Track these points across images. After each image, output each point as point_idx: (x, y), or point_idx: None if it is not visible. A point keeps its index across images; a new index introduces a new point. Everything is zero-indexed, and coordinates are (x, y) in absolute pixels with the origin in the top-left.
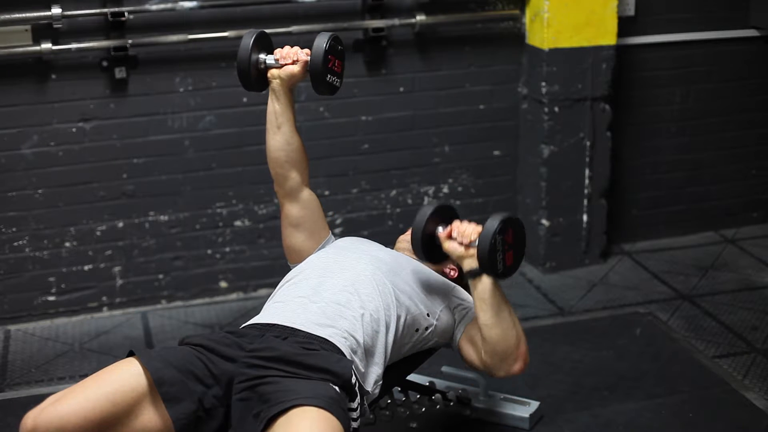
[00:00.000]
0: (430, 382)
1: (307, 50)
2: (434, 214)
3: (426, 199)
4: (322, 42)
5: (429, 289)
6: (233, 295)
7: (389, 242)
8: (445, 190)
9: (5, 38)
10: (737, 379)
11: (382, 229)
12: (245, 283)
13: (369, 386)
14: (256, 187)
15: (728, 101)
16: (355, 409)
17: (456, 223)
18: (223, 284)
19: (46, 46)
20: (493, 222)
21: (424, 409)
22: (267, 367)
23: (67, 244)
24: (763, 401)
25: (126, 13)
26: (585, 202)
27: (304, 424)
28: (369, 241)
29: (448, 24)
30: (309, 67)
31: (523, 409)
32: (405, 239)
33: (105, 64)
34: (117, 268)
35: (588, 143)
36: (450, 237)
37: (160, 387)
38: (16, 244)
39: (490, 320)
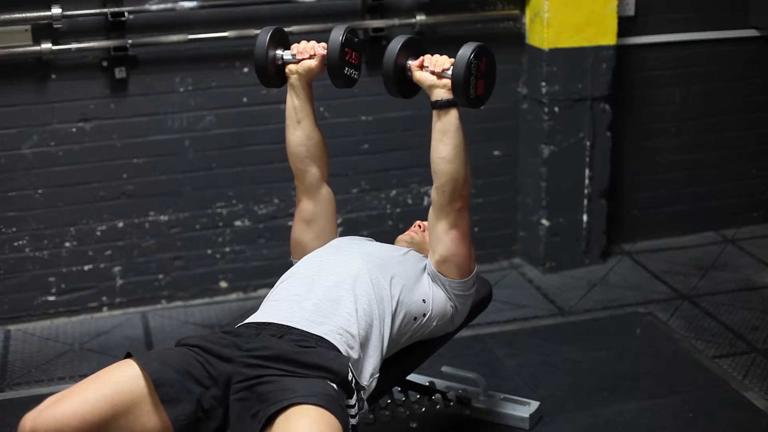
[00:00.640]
0: (430, 382)
1: (323, 44)
2: (404, 47)
3: (426, 199)
4: (338, 35)
5: (420, 274)
6: (233, 295)
7: (389, 242)
8: None
9: (5, 38)
10: (737, 379)
11: (382, 229)
12: (245, 283)
13: (365, 380)
14: (256, 187)
15: (728, 101)
16: (353, 406)
17: (427, 55)
18: (223, 284)
19: (46, 46)
20: (468, 48)
21: (424, 409)
22: (264, 366)
23: (67, 244)
24: (763, 401)
25: (126, 13)
26: (585, 202)
27: (303, 422)
28: (362, 238)
29: (448, 24)
30: (326, 61)
31: (523, 409)
32: (402, 238)
33: (105, 64)
34: (117, 268)
35: (588, 143)
36: (421, 67)
37: (158, 388)
38: (16, 244)
39: (449, 154)
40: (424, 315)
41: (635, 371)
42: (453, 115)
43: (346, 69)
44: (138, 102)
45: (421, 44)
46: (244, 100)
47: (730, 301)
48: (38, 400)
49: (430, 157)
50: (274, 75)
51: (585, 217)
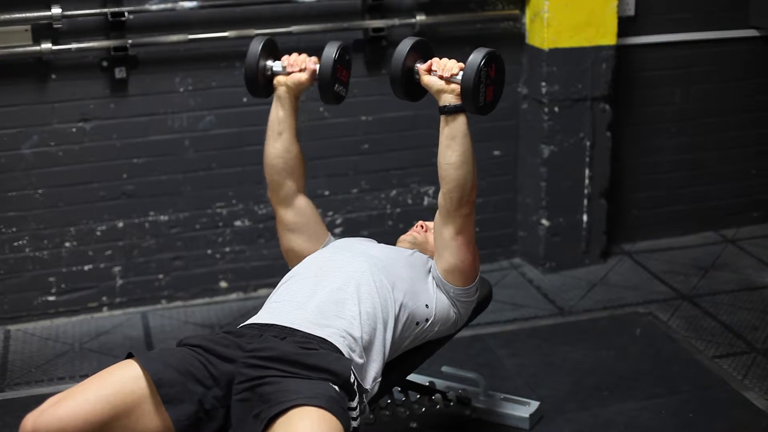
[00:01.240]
0: (430, 382)
1: (314, 58)
2: (413, 49)
3: (426, 199)
4: (331, 51)
5: (425, 277)
6: (233, 295)
7: (389, 243)
8: None
9: (5, 38)
10: (737, 379)
11: (382, 229)
12: (245, 283)
13: (368, 384)
14: (256, 187)
15: (728, 101)
16: (354, 408)
17: (435, 58)
18: (223, 284)
19: (46, 46)
20: (479, 55)
21: (424, 409)
22: (266, 367)
23: (67, 244)
24: (763, 401)
25: (126, 13)
26: (585, 202)
27: (305, 424)
28: (365, 239)
29: (448, 24)
30: (318, 76)
31: (523, 409)
32: (405, 239)
33: (105, 64)
34: (117, 268)
35: (588, 143)
36: (429, 71)
37: (160, 388)
38: (16, 244)
39: (457, 160)
40: (427, 320)
41: (635, 371)
42: (461, 120)
43: (336, 86)
44: (138, 102)
45: (429, 47)
46: (244, 100)
47: (730, 301)
48: (38, 400)
49: (437, 162)
50: (263, 85)
51: (585, 217)
